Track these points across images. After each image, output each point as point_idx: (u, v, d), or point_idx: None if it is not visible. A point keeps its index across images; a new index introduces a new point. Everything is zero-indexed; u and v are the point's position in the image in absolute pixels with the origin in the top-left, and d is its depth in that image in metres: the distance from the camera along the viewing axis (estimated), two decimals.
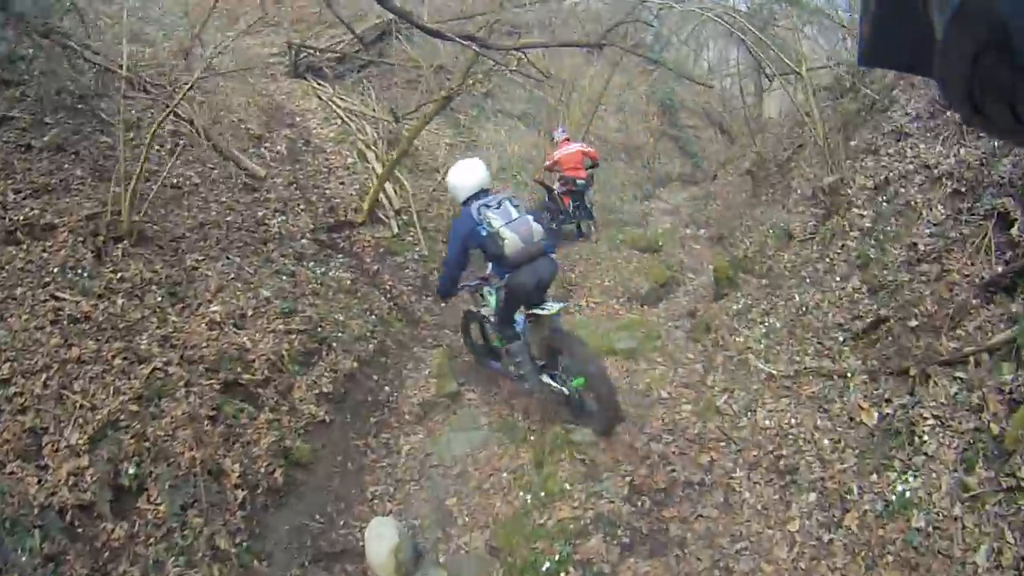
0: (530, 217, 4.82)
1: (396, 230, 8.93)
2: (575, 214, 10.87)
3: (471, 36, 7.51)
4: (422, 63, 12.58)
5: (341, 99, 11.77)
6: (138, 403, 4.55)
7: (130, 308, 5.31)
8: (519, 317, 5.24)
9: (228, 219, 7.01)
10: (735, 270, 7.60)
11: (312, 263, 7.35)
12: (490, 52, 7.33)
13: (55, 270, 5.08)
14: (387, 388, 6.60)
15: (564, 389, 5.16)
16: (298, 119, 10.88)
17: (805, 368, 5.24)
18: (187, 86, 6.01)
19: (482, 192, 4.95)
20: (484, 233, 4.70)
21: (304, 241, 7.62)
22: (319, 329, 6.40)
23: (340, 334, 6.57)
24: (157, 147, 7.01)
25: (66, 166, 6.20)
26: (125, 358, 4.79)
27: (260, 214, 7.49)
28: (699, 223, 12.55)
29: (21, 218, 5.37)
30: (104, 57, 7.05)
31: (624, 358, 6.52)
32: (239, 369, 5.43)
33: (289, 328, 6.11)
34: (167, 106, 6.32)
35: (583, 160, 10.80)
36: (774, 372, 5.43)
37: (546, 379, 5.24)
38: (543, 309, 4.94)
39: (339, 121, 11.07)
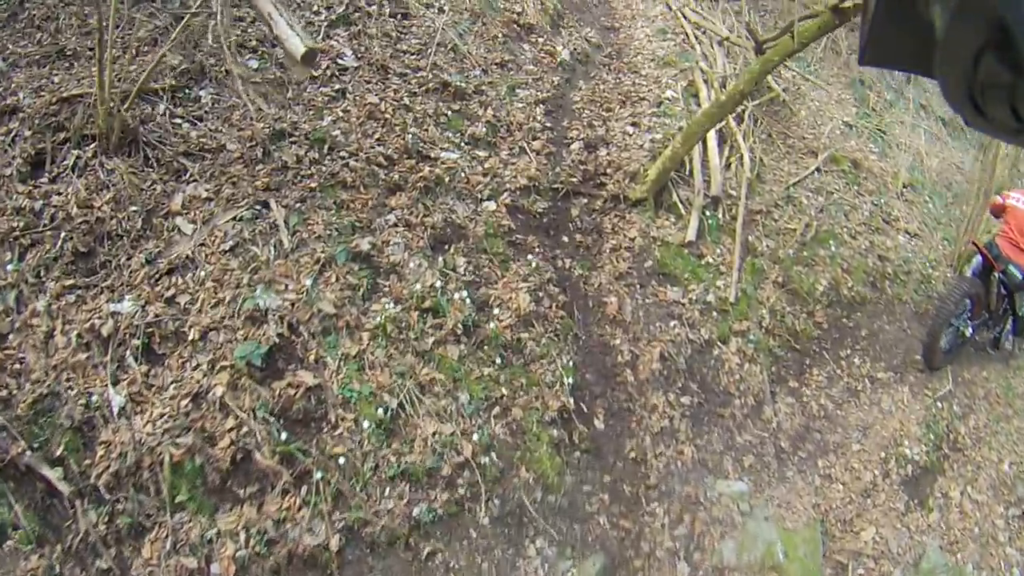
0: None
1: (693, 234, 4.56)
2: (1001, 317, 5.90)
3: None
4: None
5: (696, 12, 7.54)
6: None
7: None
8: None
9: (355, 137, 3.52)
10: None
11: (464, 256, 3.54)
12: None
13: None
14: None
15: None
16: (621, 23, 7.06)
17: None
18: None
19: None
20: None
21: (490, 205, 3.80)
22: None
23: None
24: None
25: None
26: None
27: (430, 134, 3.85)
28: None
29: None
30: None
31: None
32: None
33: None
34: None
35: None
36: None
37: None
38: None
39: (681, 38, 6.94)
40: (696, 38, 7.04)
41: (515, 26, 5.58)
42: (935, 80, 0.53)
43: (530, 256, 3.84)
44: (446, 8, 5.24)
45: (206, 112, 3.62)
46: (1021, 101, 0.45)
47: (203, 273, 3.02)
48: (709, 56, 6.71)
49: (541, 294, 3.70)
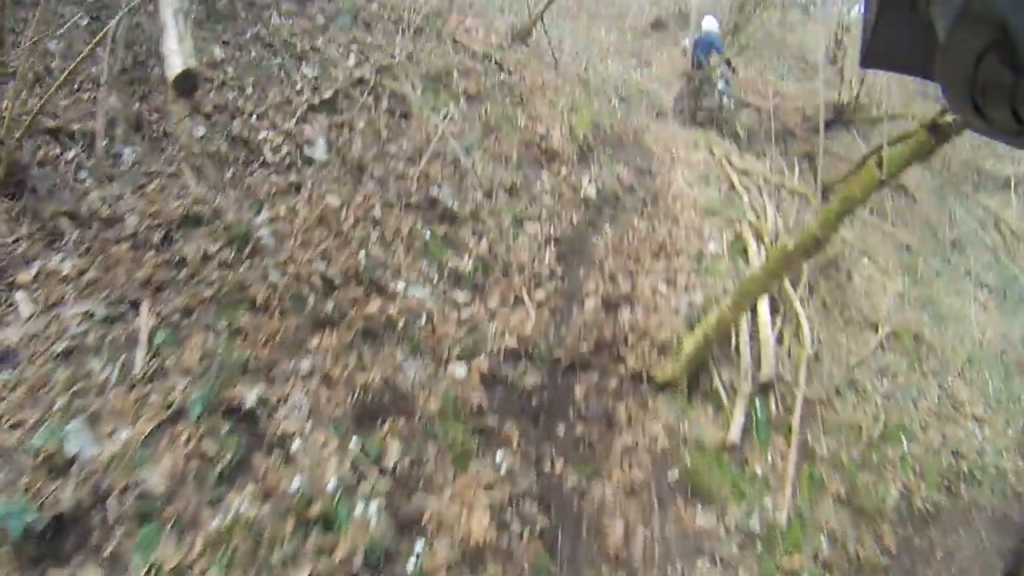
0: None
1: (737, 433, 3.46)
2: None
3: None
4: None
5: (740, 159, 6.95)
6: None
7: None
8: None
9: (291, 244, 2.67)
10: None
11: (400, 441, 2.51)
12: None
13: None
14: None
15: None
16: (659, 167, 6.43)
17: None
18: None
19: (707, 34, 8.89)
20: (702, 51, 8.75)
21: (459, 370, 2.82)
22: None
23: None
24: None
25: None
26: None
27: (396, 260, 2.96)
28: None
29: None
30: None
31: None
32: None
33: None
34: None
35: None
36: None
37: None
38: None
39: (726, 186, 6.26)
40: (744, 187, 6.32)
41: (535, 149, 4.86)
42: (935, 82, 0.51)
43: (502, 453, 2.72)
44: (456, 117, 4.56)
45: (120, 172, 2.80)
46: (1022, 103, 0.44)
47: (15, 376, 2.02)
48: (757, 207, 5.91)
49: (509, 514, 2.51)
